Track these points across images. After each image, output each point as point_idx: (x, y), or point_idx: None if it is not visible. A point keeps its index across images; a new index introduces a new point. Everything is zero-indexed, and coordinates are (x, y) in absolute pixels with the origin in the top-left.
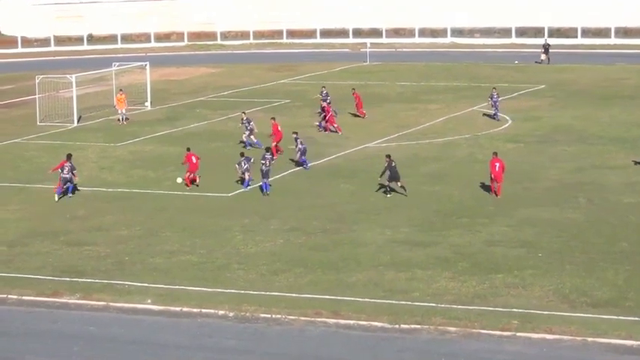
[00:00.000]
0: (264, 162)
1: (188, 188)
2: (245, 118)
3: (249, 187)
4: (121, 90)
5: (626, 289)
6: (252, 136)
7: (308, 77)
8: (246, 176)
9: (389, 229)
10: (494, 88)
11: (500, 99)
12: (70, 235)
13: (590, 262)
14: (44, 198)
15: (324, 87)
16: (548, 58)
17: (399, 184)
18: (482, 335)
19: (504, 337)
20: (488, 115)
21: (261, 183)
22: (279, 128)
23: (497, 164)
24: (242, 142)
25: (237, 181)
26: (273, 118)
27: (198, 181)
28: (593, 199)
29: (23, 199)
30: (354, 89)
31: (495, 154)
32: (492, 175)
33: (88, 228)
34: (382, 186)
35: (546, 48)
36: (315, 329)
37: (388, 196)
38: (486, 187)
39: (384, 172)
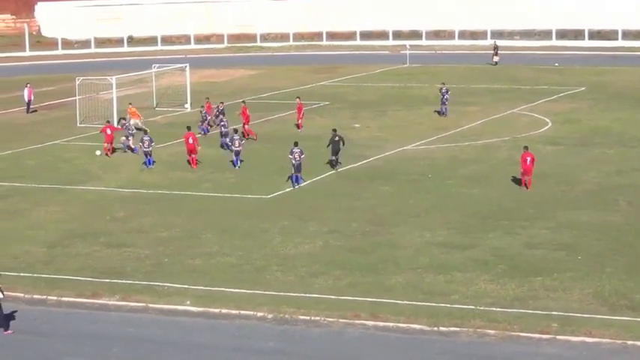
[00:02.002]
0: (292, 156)
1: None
2: (130, 124)
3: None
4: (130, 103)
5: None
6: (131, 142)
7: (348, 79)
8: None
9: (428, 231)
10: (443, 83)
11: (449, 94)
12: (110, 237)
13: (630, 265)
14: (84, 199)
15: (222, 102)
16: (496, 62)
17: (335, 157)
18: (521, 338)
19: (544, 339)
20: (438, 112)
21: (292, 175)
22: (248, 112)
23: (529, 158)
24: (129, 147)
25: (286, 180)
26: (244, 102)
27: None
28: (633, 201)
29: (63, 200)
30: (243, 101)
31: (526, 147)
32: (523, 169)
33: (128, 229)
34: (330, 160)
35: (496, 49)
36: (354, 331)
37: (336, 169)
38: (525, 189)
39: (328, 145)
